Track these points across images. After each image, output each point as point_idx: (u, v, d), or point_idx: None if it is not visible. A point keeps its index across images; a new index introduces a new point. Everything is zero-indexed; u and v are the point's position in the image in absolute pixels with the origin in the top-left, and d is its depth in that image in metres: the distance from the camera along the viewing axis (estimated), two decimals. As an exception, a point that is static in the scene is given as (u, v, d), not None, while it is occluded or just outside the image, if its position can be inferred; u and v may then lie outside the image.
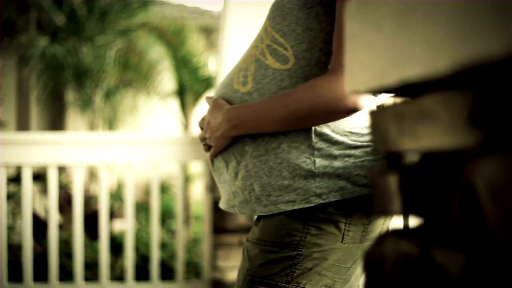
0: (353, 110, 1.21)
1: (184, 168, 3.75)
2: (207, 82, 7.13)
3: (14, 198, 5.15)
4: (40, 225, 4.96)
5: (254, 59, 1.34)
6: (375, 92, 0.66)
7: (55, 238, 3.60)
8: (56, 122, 8.28)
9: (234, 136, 1.32)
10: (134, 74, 7.07)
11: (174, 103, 7.71)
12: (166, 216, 6.64)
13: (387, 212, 0.67)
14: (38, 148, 3.58)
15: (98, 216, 4.79)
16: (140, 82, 7.17)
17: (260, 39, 1.36)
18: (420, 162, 0.64)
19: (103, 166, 3.65)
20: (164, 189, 7.55)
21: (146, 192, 7.48)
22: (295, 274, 1.27)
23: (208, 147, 1.40)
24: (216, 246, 3.39)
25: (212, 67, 7.38)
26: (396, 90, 0.63)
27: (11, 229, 4.93)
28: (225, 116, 1.32)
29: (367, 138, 1.31)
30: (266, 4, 1.47)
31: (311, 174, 1.26)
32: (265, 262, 1.29)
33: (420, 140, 0.60)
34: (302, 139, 1.27)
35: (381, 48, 0.63)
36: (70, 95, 7.77)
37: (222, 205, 1.42)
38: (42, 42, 6.41)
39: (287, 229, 1.28)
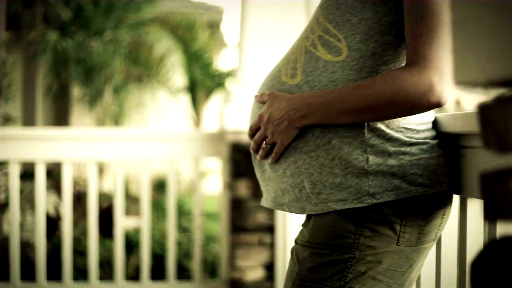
0: (437, 105, 1.15)
1: (198, 165, 3.69)
2: (219, 78, 7.07)
3: (22, 195, 5.09)
4: (49, 222, 4.90)
5: (304, 51, 1.27)
6: (498, 84, 0.58)
7: (69, 236, 3.54)
8: (61, 117, 8.21)
9: (301, 127, 1.23)
10: (144, 69, 7.01)
11: (185, 99, 7.65)
12: (177, 213, 6.58)
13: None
14: (51, 144, 3.52)
15: (108, 213, 4.74)
16: (149, 77, 7.10)
17: (310, 29, 1.28)
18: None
19: (118, 162, 3.59)
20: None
21: (156, 188, 7.42)
22: (347, 278, 1.21)
23: (267, 150, 1.28)
24: (235, 245, 3.32)
25: (221, 62, 7.32)
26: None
27: (20, 226, 4.87)
28: (293, 104, 1.22)
29: (423, 134, 1.24)
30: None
31: (364, 172, 1.19)
32: (316, 265, 1.22)
33: None
34: (355, 135, 1.20)
35: (509, 34, 0.55)
36: (77, 91, 7.70)
37: (266, 203, 1.35)
38: (52, 36, 6.34)
39: (339, 231, 1.21)
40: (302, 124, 1.22)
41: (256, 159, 1.35)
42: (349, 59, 1.21)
